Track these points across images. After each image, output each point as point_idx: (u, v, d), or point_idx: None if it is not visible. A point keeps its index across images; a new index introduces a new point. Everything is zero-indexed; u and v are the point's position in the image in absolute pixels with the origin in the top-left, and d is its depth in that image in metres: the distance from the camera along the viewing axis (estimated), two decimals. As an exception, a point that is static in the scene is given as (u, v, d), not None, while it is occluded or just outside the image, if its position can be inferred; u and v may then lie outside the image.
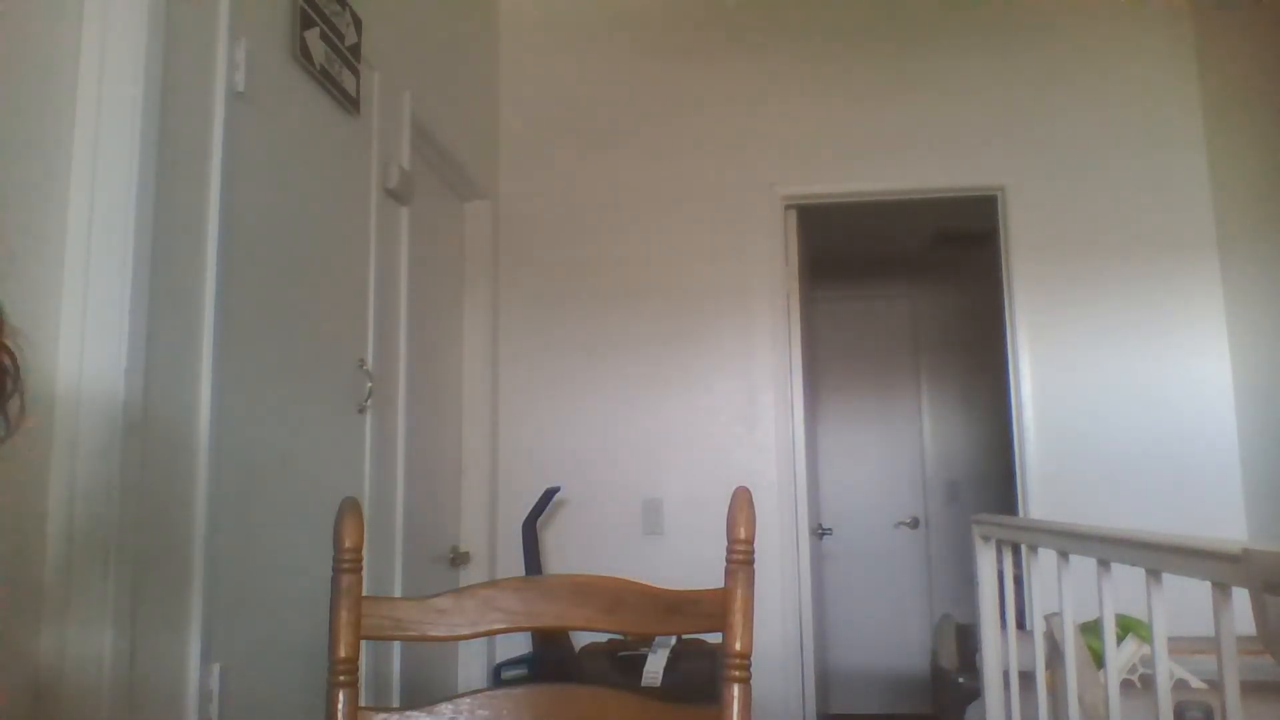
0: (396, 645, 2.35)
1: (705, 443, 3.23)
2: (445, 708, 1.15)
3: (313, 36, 1.94)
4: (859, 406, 5.43)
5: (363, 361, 2.18)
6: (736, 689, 1.06)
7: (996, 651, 1.99)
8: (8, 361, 0.58)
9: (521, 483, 3.21)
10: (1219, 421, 3.08)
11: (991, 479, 5.16)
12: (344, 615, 1.15)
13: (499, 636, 3.00)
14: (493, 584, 1.20)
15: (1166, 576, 1.19)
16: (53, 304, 1.29)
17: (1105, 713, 1.37)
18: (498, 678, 2.82)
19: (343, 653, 1.14)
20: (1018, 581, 1.94)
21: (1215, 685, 1.08)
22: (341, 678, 1.13)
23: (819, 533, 4.13)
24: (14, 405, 0.62)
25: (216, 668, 1.51)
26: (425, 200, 2.71)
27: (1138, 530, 1.27)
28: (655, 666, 2.51)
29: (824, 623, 4.22)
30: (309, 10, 1.92)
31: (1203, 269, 3.16)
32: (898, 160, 3.31)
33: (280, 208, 1.83)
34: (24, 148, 1.26)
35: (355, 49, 2.15)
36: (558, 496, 3.14)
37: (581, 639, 2.80)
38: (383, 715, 1.15)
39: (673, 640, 2.59)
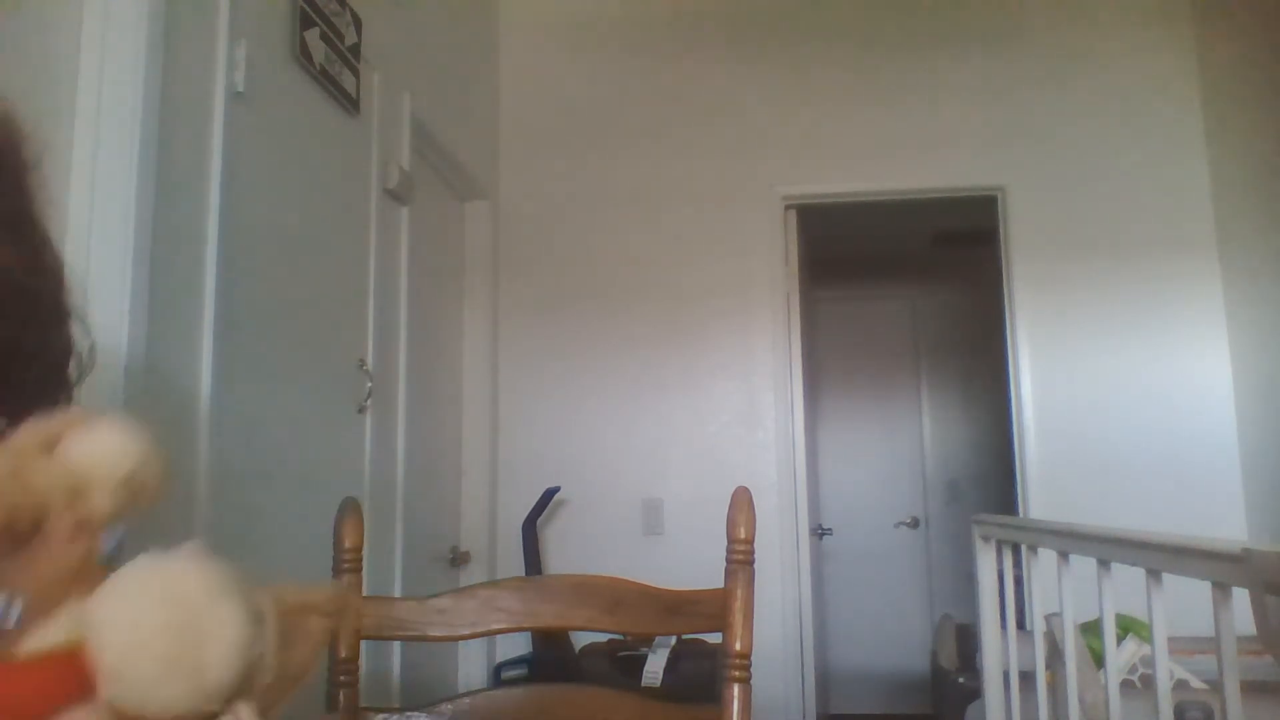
0: (396, 645, 2.35)
1: (705, 443, 3.23)
2: (445, 708, 1.15)
3: (313, 36, 1.94)
4: (859, 406, 5.42)
5: (363, 361, 2.18)
6: (736, 689, 1.06)
7: (996, 651, 1.99)
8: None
9: (521, 483, 3.20)
10: (1219, 421, 3.08)
11: (991, 479, 5.16)
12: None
13: (499, 636, 3.00)
14: (493, 584, 1.20)
15: (1166, 576, 1.19)
16: (53, 304, 1.29)
17: (1105, 713, 1.37)
18: (498, 678, 2.82)
19: (343, 653, 1.14)
20: (1018, 581, 1.94)
21: (1215, 685, 1.08)
22: (342, 678, 1.13)
23: (819, 533, 4.12)
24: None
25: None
26: (425, 200, 2.71)
27: (1138, 530, 1.27)
28: (655, 666, 2.51)
29: (824, 623, 4.22)
30: (309, 10, 1.92)
31: (1203, 269, 3.15)
32: (898, 160, 3.31)
33: (280, 208, 1.83)
34: (24, 148, 1.26)
35: (355, 49, 2.15)
36: (558, 496, 3.14)
37: (581, 639, 2.80)
38: (383, 715, 1.15)
39: (673, 640, 2.59)
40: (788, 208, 3.39)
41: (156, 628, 0.41)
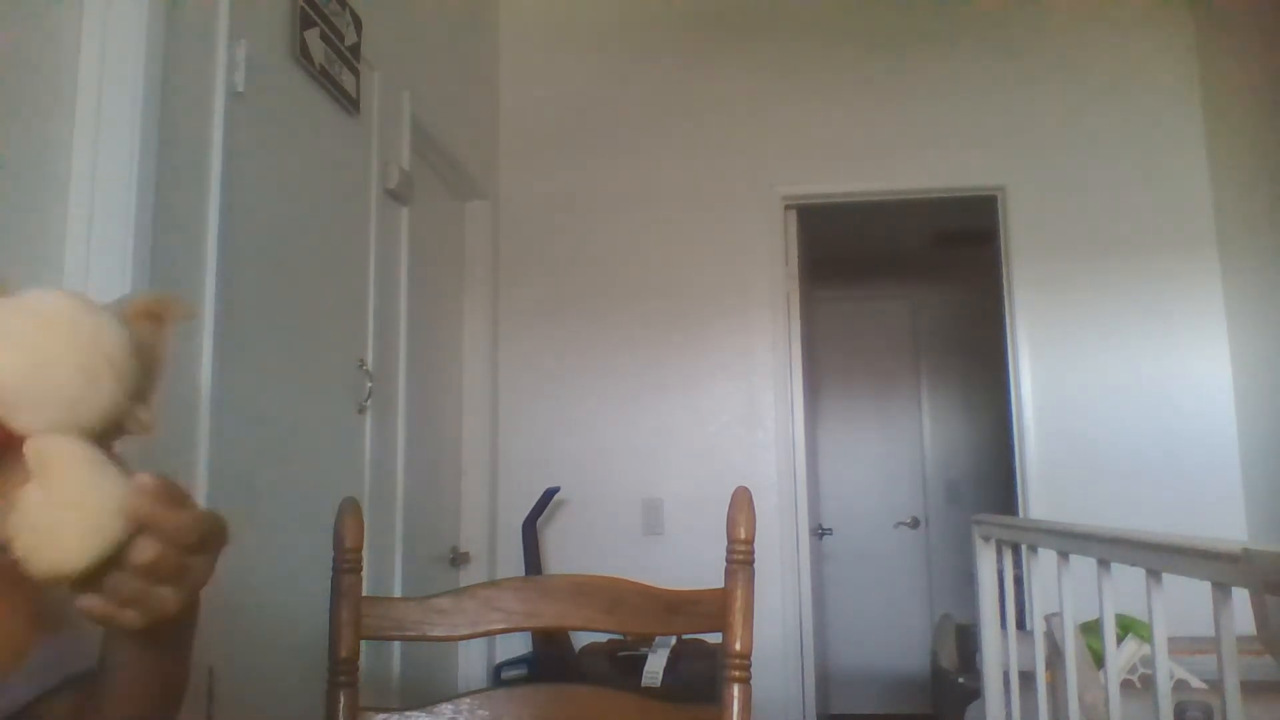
0: (396, 645, 2.35)
1: (705, 443, 3.22)
2: (445, 708, 1.15)
3: (313, 36, 1.93)
4: (859, 406, 5.43)
5: (363, 361, 2.17)
6: (736, 689, 1.06)
7: (996, 651, 1.99)
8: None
9: (521, 483, 3.20)
10: (1219, 421, 3.08)
11: (991, 479, 5.16)
12: (344, 615, 1.15)
13: (499, 636, 3.00)
14: (493, 584, 1.20)
15: (1166, 576, 1.19)
16: (53, 304, 1.29)
17: (1105, 713, 1.37)
18: (498, 678, 2.82)
19: (343, 653, 1.14)
20: (1018, 582, 1.94)
21: (1215, 685, 1.08)
22: (342, 678, 1.13)
23: (819, 533, 4.12)
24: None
25: (208, 669, 1.50)
26: (425, 200, 2.71)
27: (1138, 530, 1.27)
28: (655, 666, 2.51)
29: (824, 623, 4.22)
30: (309, 10, 1.92)
31: (1203, 269, 3.15)
32: (898, 160, 3.31)
33: (280, 208, 1.83)
34: (24, 148, 1.26)
35: (355, 49, 2.15)
36: (558, 496, 3.14)
37: (581, 639, 2.80)
38: (383, 715, 1.15)
39: (673, 640, 2.59)
40: (788, 208, 3.38)
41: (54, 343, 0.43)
